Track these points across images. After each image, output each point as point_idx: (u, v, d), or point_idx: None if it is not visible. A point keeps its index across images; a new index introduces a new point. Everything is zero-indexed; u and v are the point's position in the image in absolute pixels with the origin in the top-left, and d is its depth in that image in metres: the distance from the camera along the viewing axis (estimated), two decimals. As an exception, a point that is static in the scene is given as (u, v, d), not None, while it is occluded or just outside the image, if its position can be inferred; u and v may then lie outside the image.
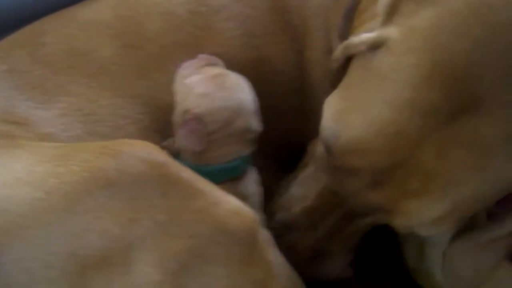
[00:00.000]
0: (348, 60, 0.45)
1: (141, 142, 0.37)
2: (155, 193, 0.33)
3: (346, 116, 0.41)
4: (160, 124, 0.53)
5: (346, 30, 0.48)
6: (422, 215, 0.41)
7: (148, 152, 0.35)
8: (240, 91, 0.50)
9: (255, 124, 0.50)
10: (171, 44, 0.55)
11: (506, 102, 0.37)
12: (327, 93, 0.46)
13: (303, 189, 0.50)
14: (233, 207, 0.37)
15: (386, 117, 0.38)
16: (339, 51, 0.45)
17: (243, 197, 0.44)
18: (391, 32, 0.39)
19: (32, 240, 0.32)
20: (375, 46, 0.40)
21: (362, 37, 0.42)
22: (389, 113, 0.38)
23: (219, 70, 0.51)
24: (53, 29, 0.55)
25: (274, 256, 0.39)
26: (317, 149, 0.49)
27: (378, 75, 0.40)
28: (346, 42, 0.44)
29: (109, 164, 0.33)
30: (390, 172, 0.39)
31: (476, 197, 0.40)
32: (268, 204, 0.52)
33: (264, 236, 0.39)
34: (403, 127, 0.38)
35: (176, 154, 0.47)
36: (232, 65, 0.54)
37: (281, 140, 0.60)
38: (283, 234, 0.49)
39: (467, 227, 0.50)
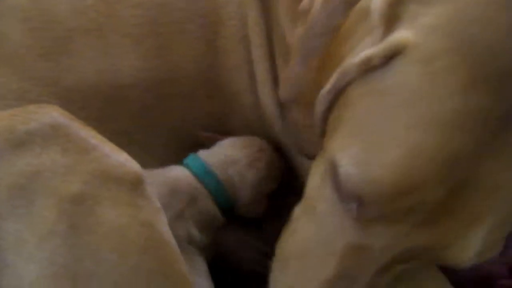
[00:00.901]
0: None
1: (48, 107, 0.42)
2: (57, 150, 0.39)
3: (376, 154, 0.34)
4: (65, 106, 0.50)
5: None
6: (491, 238, 0.35)
7: (53, 116, 0.40)
8: None
9: None
10: (74, 28, 0.56)
11: None
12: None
13: (312, 258, 0.40)
14: (121, 159, 0.42)
15: (430, 139, 0.32)
16: (329, 86, 0.38)
17: None
18: (404, 37, 0.33)
19: None
20: (387, 58, 0.34)
21: (366, 53, 0.35)
22: (432, 134, 0.32)
23: None
24: None
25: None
26: (319, 209, 0.41)
27: (400, 93, 0.33)
28: (341, 68, 0.37)
29: (19, 127, 0.39)
30: (449, 202, 0.33)
31: None
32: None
33: (150, 191, 0.43)
34: (455, 145, 0.32)
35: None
36: (135, 53, 0.56)
37: (193, 127, 0.61)
38: None
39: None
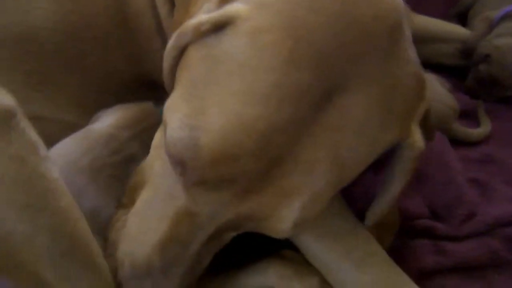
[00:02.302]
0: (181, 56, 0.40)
1: None
2: None
3: (200, 119, 0.35)
4: None
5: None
6: (307, 211, 0.37)
7: None
8: None
9: None
10: None
11: (370, 76, 0.35)
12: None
13: (148, 221, 0.42)
14: None
15: (250, 111, 0.33)
16: (172, 42, 0.40)
17: None
18: (237, 9, 0.35)
19: None
20: (220, 26, 0.36)
21: (200, 18, 0.37)
22: (253, 106, 0.33)
23: None
24: None
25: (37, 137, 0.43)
26: (156, 169, 0.43)
27: (229, 62, 0.35)
28: (179, 29, 0.39)
29: None
30: (268, 174, 0.35)
31: (346, 181, 0.39)
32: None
33: (26, 123, 0.42)
34: (274, 118, 0.33)
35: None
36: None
37: (112, 70, 0.63)
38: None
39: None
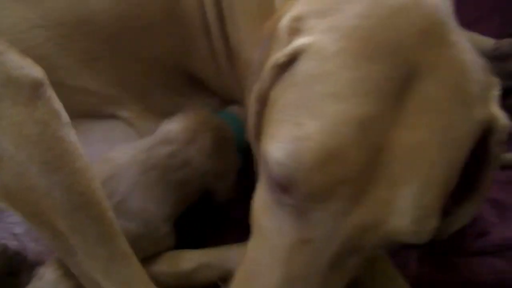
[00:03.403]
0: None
1: None
2: None
3: (297, 134, 0.37)
4: (44, 21, 0.63)
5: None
6: (422, 198, 0.37)
7: None
8: None
9: None
10: None
11: (438, 62, 0.38)
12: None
13: (258, 270, 0.41)
14: (23, 64, 0.48)
15: (342, 107, 0.36)
16: (256, 87, 0.44)
17: None
18: (303, 41, 0.40)
19: None
20: (291, 57, 0.40)
21: (275, 56, 0.41)
22: (343, 102, 0.36)
23: None
24: None
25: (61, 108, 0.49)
26: (263, 218, 0.42)
27: (308, 78, 0.38)
28: (262, 72, 0.43)
29: None
30: (372, 166, 0.36)
31: (455, 164, 0.39)
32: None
33: (51, 92, 0.49)
34: (363, 111, 0.36)
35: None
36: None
37: (158, 59, 0.71)
38: None
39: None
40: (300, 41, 0.40)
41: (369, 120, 0.36)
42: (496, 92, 0.42)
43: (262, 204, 0.43)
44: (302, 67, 0.39)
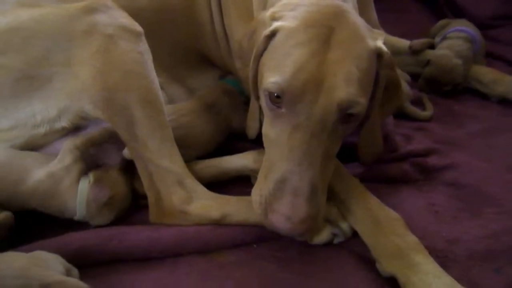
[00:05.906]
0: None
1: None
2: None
3: (282, 71, 0.69)
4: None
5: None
6: (347, 83, 0.68)
7: None
8: None
9: None
10: None
11: (343, 26, 0.73)
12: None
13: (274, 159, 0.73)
14: (126, 16, 0.86)
15: (301, 51, 0.69)
16: (253, 55, 0.78)
17: None
18: (279, 24, 0.73)
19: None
20: (273, 32, 0.73)
21: (263, 33, 0.75)
22: (301, 49, 0.69)
23: None
24: None
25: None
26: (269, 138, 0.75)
27: (280, 46, 0.72)
28: (256, 43, 0.78)
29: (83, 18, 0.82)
30: (320, 74, 0.68)
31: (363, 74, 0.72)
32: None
33: (146, 44, 0.87)
34: (312, 50, 0.69)
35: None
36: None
37: (183, 44, 1.05)
38: None
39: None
40: (277, 24, 0.74)
41: (315, 52, 0.69)
42: (381, 37, 0.78)
43: (268, 125, 0.76)
44: (279, 38, 0.73)
